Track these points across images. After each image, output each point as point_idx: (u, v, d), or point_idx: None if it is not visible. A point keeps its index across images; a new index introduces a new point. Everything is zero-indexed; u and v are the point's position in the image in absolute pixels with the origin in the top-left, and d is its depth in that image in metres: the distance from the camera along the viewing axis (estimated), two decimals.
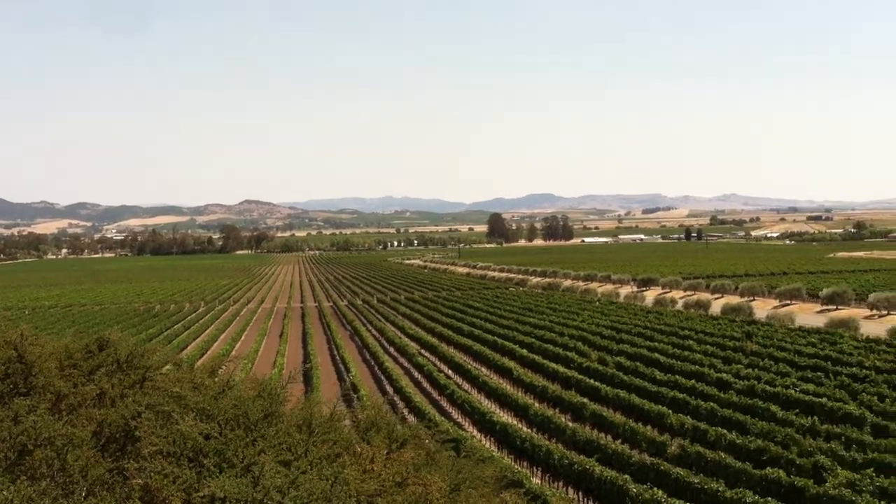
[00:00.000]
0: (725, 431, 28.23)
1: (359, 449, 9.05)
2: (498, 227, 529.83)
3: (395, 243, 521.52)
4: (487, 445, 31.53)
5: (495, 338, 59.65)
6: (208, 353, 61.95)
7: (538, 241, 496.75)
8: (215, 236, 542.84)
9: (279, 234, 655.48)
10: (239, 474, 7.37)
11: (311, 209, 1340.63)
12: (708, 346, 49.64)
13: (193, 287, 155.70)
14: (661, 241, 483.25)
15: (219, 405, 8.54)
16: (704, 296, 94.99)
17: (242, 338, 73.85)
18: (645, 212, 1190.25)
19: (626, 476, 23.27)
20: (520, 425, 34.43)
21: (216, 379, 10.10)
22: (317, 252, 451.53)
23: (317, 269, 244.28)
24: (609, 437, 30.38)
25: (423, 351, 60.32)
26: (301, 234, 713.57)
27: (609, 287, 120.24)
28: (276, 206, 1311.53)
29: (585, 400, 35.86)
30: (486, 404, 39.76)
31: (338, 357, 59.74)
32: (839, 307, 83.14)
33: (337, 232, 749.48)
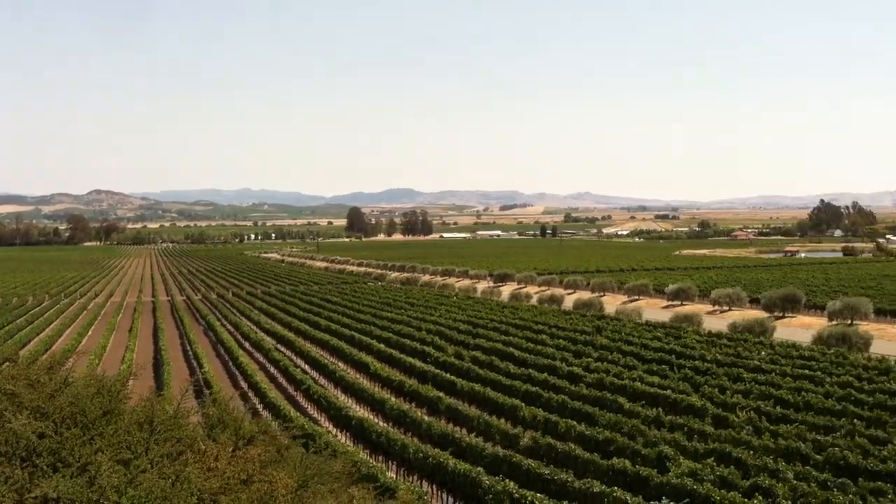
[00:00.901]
0: (575, 423, 28.97)
1: (203, 446, 8.80)
2: (357, 221, 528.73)
3: (253, 236, 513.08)
4: (343, 440, 31.37)
5: (353, 332, 59.43)
6: (52, 348, 59.28)
7: (397, 236, 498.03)
8: (62, 227, 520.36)
9: (130, 226, 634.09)
10: (74, 474, 7.06)
11: (165, 200, 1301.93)
12: (560, 341, 50.86)
13: (37, 280, 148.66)
14: (517, 237, 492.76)
15: (55, 403, 8.16)
16: (558, 291, 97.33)
17: (89, 333, 71.02)
18: (503, 208, 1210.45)
19: (480, 468, 23.55)
20: (376, 420, 34.40)
21: (55, 376, 9.64)
22: (170, 244, 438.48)
23: (170, 262, 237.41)
24: (464, 431, 30.71)
25: (279, 346, 59.50)
26: (154, 225, 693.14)
27: (467, 282, 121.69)
28: (128, 196, 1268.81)
29: (441, 394, 36.13)
30: (343, 399, 39.55)
31: (190, 352, 58.25)
32: (684, 303, 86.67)
33: (192, 224, 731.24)
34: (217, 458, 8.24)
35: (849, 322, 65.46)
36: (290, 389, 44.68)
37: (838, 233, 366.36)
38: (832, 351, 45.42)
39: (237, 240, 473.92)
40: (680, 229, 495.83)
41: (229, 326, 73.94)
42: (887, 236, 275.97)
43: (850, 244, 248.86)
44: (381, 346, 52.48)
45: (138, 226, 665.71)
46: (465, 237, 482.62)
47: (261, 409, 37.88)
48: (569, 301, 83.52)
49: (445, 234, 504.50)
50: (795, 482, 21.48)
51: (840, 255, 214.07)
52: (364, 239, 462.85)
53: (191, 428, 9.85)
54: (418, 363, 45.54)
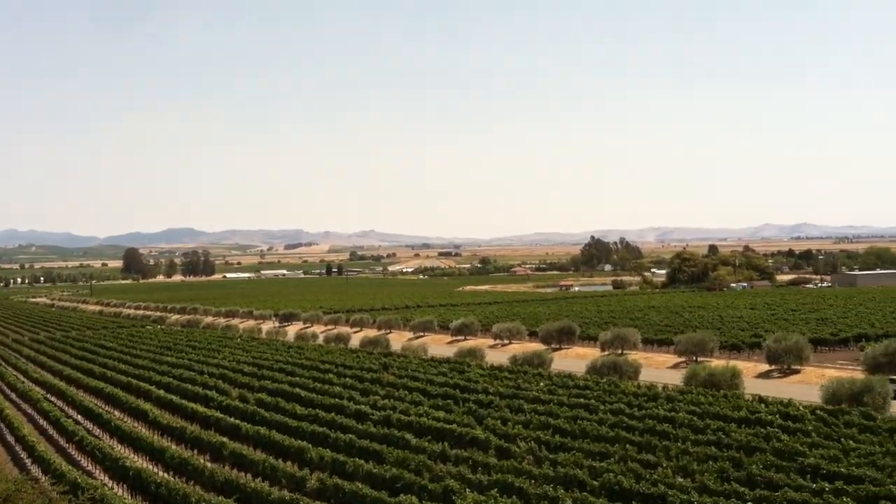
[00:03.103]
0: (363, 462, 28.92)
1: None
2: (134, 262, 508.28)
3: (19, 280, 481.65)
4: (120, 493, 29.79)
5: (130, 379, 56.77)
6: None
7: (178, 277, 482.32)
8: None
9: None
10: None
11: None
12: (347, 379, 50.74)
13: None
14: (303, 276, 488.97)
15: None
16: (344, 329, 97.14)
17: None
18: (288, 247, 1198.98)
19: None
20: (156, 469, 32.94)
21: None
22: None
23: None
24: (249, 476, 29.95)
25: (49, 396, 55.88)
26: None
27: (251, 323, 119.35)
28: None
29: (225, 439, 35.11)
30: (119, 449, 37.61)
31: None
32: (467, 337, 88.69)
33: None
34: None
35: (619, 352, 69.11)
36: (62, 441, 42.05)
37: (608, 267, 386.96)
38: (605, 380, 47.81)
39: (2, 284, 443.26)
40: (462, 266, 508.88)
41: None
42: (652, 270, 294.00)
43: (619, 278, 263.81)
44: (161, 391, 50.40)
45: None
46: (249, 277, 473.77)
47: (29, 465, 35.47)
48: (355, 339, 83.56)
49: (229, 275, 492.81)
50: None
51: (610, 288, 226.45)
52: (142, 281, 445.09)
53: None
54: (201, 408, 44.04)
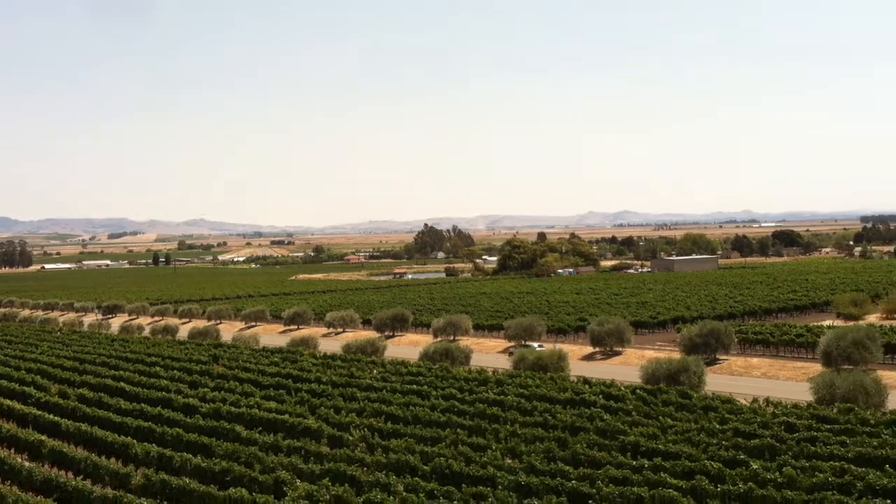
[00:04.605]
0: (191, 456, 28.21)
1: None
2: None
3: None
4: None
5: None
6: None
7: None
8: None
9: None
10: None
11: None
12: (175, 372, 49.36)
13: None
14: (128, 266, 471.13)
15: None
16: (172, 321, 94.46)
17: None
18: (111, 237, 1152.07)
19: None
20: None
21: None
22: None
23: None
24: (70, 475, 28.69)
25: None
26: None
27: (72, 315, 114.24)
28: None
29: (44, 437, 33.48)
30: None
31: None
32: (300, 327, 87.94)
33: None
34: None
35: (451, 338, 70.16)
36: None
37: (441, 255, 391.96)
38: (437, 366, 48.49)
39: None
40: (296, 254, 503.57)
41: None
42: (483, 257, 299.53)
43: (452, 265, 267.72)
44: None
45: None
46: (70, 268, 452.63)
47: None
48: (184, 331, 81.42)
49: (48, 266, 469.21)
50: (405, 494, 22.56)
51: (443, 275, 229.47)
52: None
53: None
54: (17, 405, 41.80)
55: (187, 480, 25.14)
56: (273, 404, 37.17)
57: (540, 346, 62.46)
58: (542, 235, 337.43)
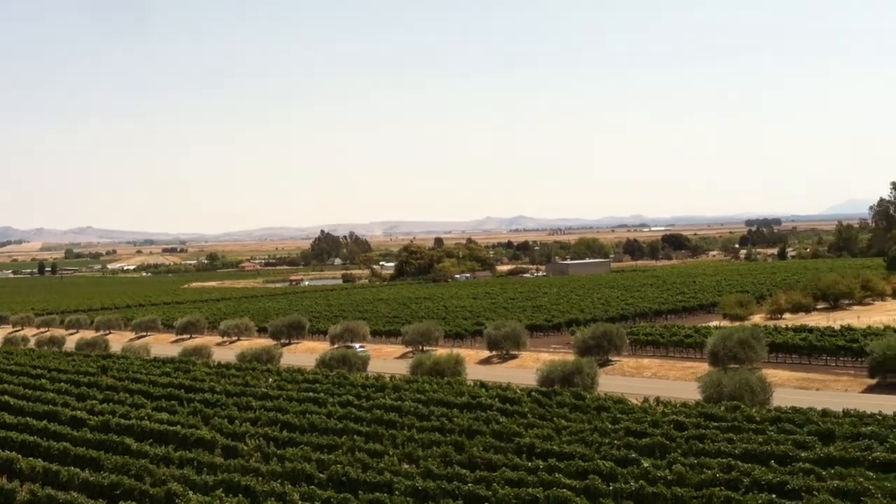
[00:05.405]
0: (78, 470, 27.38)
1: None
2: None
3: None
4: None
5: None
6: None
7: None
8: None
9: None
10: None
11: None
12: (62, 384, 47.76)
13: None
14: (12, 276, 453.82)
15: None
16: (59, 332, 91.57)
17: None
18: None
19: None
20: None
21: None
22: None
23: None
24: None
25: None
26: None
27: None
28: None
29: None
30: None
31: None
32: (193, 336, 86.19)
33: None
34: None
35: (349, 344, 69.80)
36: None
37: (338, 261, 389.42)
38: (334, 373, 48.18)
39: None
40: (189, 262, 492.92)
41: None
42: (381, 263, 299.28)
43: (349, 271, 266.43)
44: None
45: None
46: None
47: None
48: (71, 342, 79.03)
49: None
50: (301, 503, 22.36)
51: (340, 281, 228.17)
52: None
53: None
54: None
55: (75, 495, 24.40)
56: (165, 415, 36.34)
57: (361, 347, 64.40)
58: (439, 241, 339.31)
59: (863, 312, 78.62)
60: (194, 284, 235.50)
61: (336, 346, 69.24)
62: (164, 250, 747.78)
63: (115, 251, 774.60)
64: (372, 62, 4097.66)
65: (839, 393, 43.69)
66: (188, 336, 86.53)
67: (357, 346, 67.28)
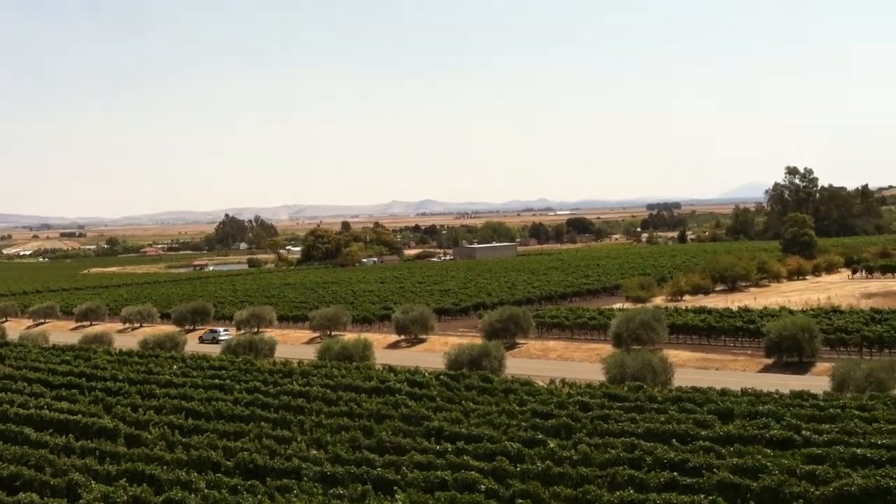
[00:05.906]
0: None
1: None
2: None
3: None
4: None
5: None
6: None
7: None
8: None
9: None
10: None
11: None
12: None
13: None
14: None
15: None
16: None
17: None
18: None
19: None
20: None
21: None
22: None
23: None
24: None
25: None
26: None
27: None
28: None
29: None
30: None
31: None
32: (94, 323, 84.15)
33: None
34: None
35: (255, 330, 69.13)
36: None
37: (244, 245, 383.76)
38: (241, 359, 47.62)
39: None
40: (88, 247, 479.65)
41: None
42: (287, 248, 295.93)
43: (255, 256, 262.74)
44: None
45: None
46: None
47: None
48: None
49: None
50: (207, 491, 22.14)
51: (246, 266, 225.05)
52: None
53: None
54: None
55: None
56: (65, 404, 35.43)
57: (226, 331, 68.03)
58: (346, 225, 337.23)
59: (759, 294, 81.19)
60: (94, 270, 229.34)
61: (243, 331, 68.51)
62: (63, 235, 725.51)
63: (10, 236, 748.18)
64: (275, 47, 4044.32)
65: (737, 373, 45.19)
66: (88, 323, 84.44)
67: (221, 329, 68.45)
